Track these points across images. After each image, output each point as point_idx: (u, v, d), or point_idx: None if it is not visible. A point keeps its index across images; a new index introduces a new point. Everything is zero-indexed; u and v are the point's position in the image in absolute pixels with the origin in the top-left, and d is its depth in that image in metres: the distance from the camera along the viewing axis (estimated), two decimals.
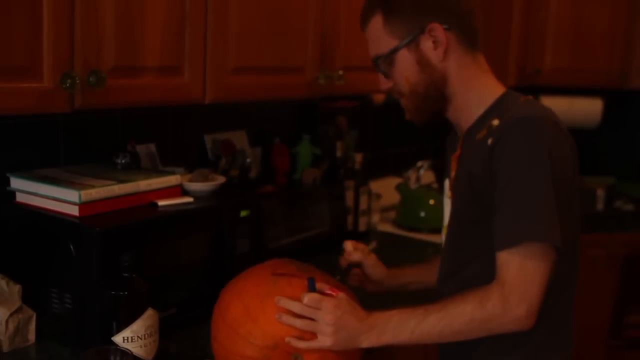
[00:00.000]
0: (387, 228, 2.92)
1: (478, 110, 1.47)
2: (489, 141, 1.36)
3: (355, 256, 1.72)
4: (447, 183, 1.58)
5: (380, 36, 1.49)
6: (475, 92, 1.47)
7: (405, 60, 1.47)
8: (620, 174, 3.73)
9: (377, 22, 1.49)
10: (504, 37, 3.21)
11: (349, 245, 1.74)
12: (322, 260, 2.29)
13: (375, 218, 2.87)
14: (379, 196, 2.88)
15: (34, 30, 1.43)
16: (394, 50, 1.47)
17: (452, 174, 1.51)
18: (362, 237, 2.70)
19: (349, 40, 2.29)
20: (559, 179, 1.33)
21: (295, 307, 1.36)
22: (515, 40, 3.22)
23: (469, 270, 1.46)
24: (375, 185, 2.94)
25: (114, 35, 1.58)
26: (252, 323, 1.36)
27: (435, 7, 1.46)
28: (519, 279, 1.31)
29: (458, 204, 1.49)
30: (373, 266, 1.73)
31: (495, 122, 1.40)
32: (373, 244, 1.62)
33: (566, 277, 1.44)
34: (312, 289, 1.36)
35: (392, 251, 2.62)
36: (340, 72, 2.24)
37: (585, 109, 3.51)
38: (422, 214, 2.88)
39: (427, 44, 1.45)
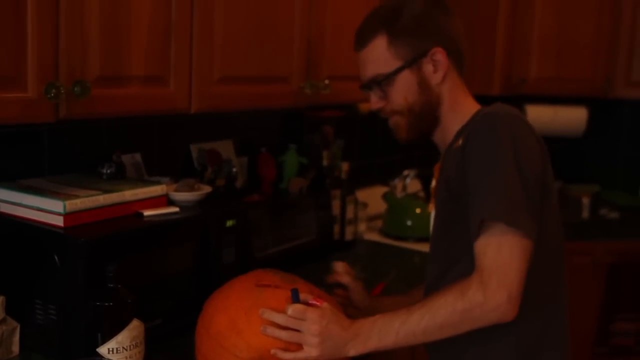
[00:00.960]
0: (374, 237, 2.93)
1: (456, 127, 1.54)
2: (460, 142, 1.45)
3: (344, 279, 1.74)
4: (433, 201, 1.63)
5: (382, 57, 1.53)
6: (459, 113, 1.54)
7: (406, 81, 1.52)
8: (605, 182, 3.76)
9: (380, 43, 1.53)
10: (489, 47, 3.23)
11: (340, 266, 1.76)
12: (309, 269, 2.29)
13: (362, 227, 2.88)
14: (365, 205, 2.88)
15: (18, 40, 1.43)
16: (398, 71, 1.52)
17: (433, 183, 1.59)
18: (348, 246, 2.70)
19: (335, 50, 2.30)
20: (525, 168, 1.35)
21: (279, 319, 1.35)
22: (500, 50, 3.24)
23: (453, 274, 1.45)
24: (362, 194, 2.94)
25: (99, 45, 1.57)
26: (236, 336, 1.36)
27: (436, 32, 1.53)
28: (496, 264, 1.31)
29: (439, 210, 1.54)
30: (358, 293, 1.75)
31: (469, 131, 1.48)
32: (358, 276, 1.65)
33: (551, 271, 1.45)
34: (295, 300, 1.36)
35: (379, 260, 2.62)
36: (326, 82, 2.25)
37: (570, 118, 3.53)
38: (409, 223, 2.88)
39: (428, 67, 1.52)
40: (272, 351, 1.34)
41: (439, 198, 1.54)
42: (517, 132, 1.38)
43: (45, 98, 1.46)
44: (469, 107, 1.55)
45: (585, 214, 3.38)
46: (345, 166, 2.82)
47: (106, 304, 1.46)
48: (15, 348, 1.64)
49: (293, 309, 1.35)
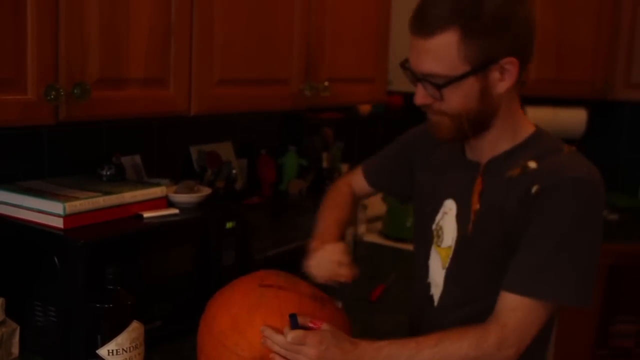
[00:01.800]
0: (374, 239, 2.93)
1: (505, 145, 1.44)
2: (534, 189, 1.35)
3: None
4: (449, 203, 1.50)
5: (449, 56, 1.32)
6: (511, 127, 1.44)
7: (469, 87, 1.34)
8: (605, 184, 3.75)
9: (450, 39, 1.30)
10: None
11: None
12: None
13: (362, 229, 2.88)
14: (365, 207, 2.88)
15: (18, 42, 1.43)
16: (463, 77, 1.33)
17: (476, 206, 1.44)
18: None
19: (335, 52, 2.30)
20: (598, 244, 1.36)
21: (279, 343, 1.33)
22: None
23: (479, 305, 1.43)
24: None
25: (99, 47, 1.58)
26: (239, 335, 1.36)
27: (514, 37, 1.33)
28: (520, 326, 1.34)
29: (481, 239, 1.44)
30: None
31: (532, 164, 1.40)
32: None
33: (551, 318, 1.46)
34: (294, 326, 1.35)
35: (379, 262, 2.62)
36: (326, 84, 2.25)
37: (569, 119, 3.53)
38: (409, 225, 2.88)
39: (495, 75, 1.35)
40: (271, 356, 1.34)
41: (483, 225, 1.43)
42: (600, 208, 1.37)
43: (45, 100, 1.47)
44: (523, 126, 1.46)
45: None
46: (345, 168, 2.82)
47: (106, 305, 1.46)
48: (15, 350, 1.64)
49: (292, 335, 1.32)
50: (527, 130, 1.46)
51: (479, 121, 1.40)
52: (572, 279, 1.34)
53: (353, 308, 1.95)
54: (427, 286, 1.55)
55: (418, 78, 1.37)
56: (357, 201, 1.86)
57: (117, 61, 1.62)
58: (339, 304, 1.54)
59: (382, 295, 2.17)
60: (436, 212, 1.53)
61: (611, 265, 3.09)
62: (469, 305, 1.47)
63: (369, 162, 1.83)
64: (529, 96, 3.51)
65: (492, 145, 1.45)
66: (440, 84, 1.34)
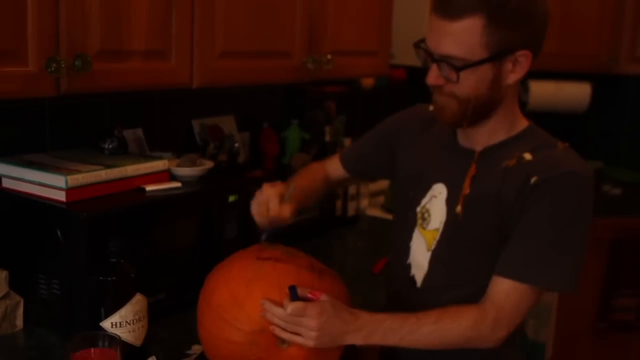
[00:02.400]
0: (376, 213, 2.93)
1: (501, 135, 1.48)
2: (533, 180, 1.39)
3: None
4: (439, 187, 1.53)
5: (472, 40, 1.34)
6: (508, 118, 1.48)
7: (483, 74, 1.37)
8: (608, 158, 3.75)
9: (475, 24, 1.33)
10: None
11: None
12: (312, 245, 2.30)
13: (364, 203, 2.88)
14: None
15: (18, 13, 1.42)
16: (482, 62, 1.35)
17: (466, 190, 1.47)
18: (351, 221, 2.70)
19: (338, 25, 2.29)
20: (588, 232, 1.43)
21: (278, 315, 1.34)
22: None
23: (471, 287, 1.47)
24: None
25: (100, 19, 1.56)
26: (237, 308, 1.36)
27: (532, 30, 1.38)
28: (514, 309, 1.40)
29: (473, 223, 1.47)
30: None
31: (528, 156, 1.44)
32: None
33: None
34: (294, 297, 1.35)
35: (381, 236, 2.63)
36: (329, 57, 2.23)
37: (573, 94, 3.51)
38: None
39: (508, 65, 1.38)
40: (271, 328, 1.34)
41: (474, 210, 1.46)
42: (592, 201, 1.42)
43: (46, 72, 1.46)
44: (519, 119, 1.50)
45: None
46: (347, 142, 2.81)
47: (109, 278, 1.47)
48: (19, 322, 1.65)
49: (292, 307, 1.33)
50: (522, 124, 1.50)
51: (483, 109, 1.43)
52: (567, 268, 1.40)
53: (355, 281, 1.96)
54: (407, 267, 1.57)
55: (434, 59, 1.39)
56: (328, 183, 1.81)
57: (118, 33, 1.61)
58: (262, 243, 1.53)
59: (384, 268, 2.18)
60: (422, 195, 1.55)
61: (613, 239, 3.10)
62: (454, 288, 1.50)
63: (346, 149, 1.88)
64: (533, 70, 3.48)
65: (488, 134, 1.48)
66: (460, 66, 1.36)
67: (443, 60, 1.37)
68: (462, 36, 1.34)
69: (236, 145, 2.40)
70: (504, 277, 1.40)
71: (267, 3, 2.01)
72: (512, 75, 1.40)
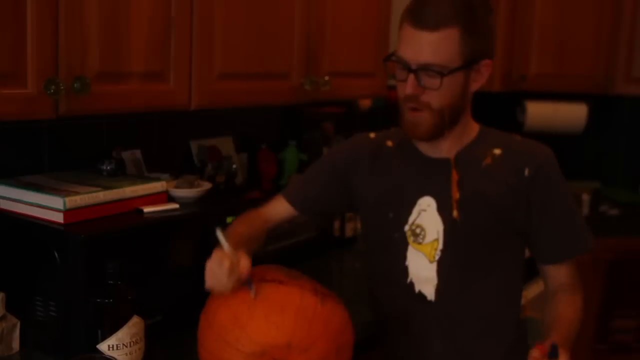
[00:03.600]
0: None
1: (465, 140, 1.59)
2: (526, 172, 1.54)
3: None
4: (426, 200, 1.57)
5: (449, 48, 1.44)
6: (468, 124, 1.60)
7: (456, 81, 1.48)
8: (606, 178, 3.76)
9: (452, 34, 1.44)
10: None
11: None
12: (309, 266, 2.30)
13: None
14: None
15: (18, 36, 1.42)
16: (458, 69, 1.46)
17: (456, 195, 1.55)
18: (348, 242, 2.70)
19: (335, 46, 2.30)
20: None
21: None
22: (500, 47, 3.23)
23: (480, 285, 1.57)
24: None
25: (99, 41, 1.57)
26: (239, 329, 1.36)
27: (492, 45, 1.52)
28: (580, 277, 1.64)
29: (472, 223, 1.55)
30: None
31: (497, 151, 1.57)
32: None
33: None
34: (553, 355, 1.36)
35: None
36: (326, 78, 2.24)
37: (570, 114, 3.53)
38: None
39: (474, 75, 1.51)
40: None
41: (468, 212, 1.54)
42: None
43: (45, 94, 1.46)
44: (473, 123, 1.62)
45: (586, 210, 3.37)
46: None
47: (106, 300, 1.46)
48: (16, 344, 1.64)
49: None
50: (476, 127, 1.62)
51: (455, 117, 1.53)
52: (586, 226, 1.62)
53: (353, 302, 1.95)
54: (409, 286, 1.59)
55: (412, 69, 1.46)
56: (266, 229, 1.69)
57: (117, 55, 1.62)
58: (252, 295, 1.39)
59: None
60: (407, 213, 1.59)
61: (611, 260, 3.09)
62: (471, 287, 1.57)
63: (289, 190, 1.77)
64: (530, 91, 3.51)
65: (455, 141, 1.58)
66: (444, 72, 1.44)
67: (423, 68, 1.45)
68: (443, 45, 1.44)
69: (234, 166, 2.40)
70: (562, 262, 1.60)
71: (265, 25, 2.02)
72: (475, 84, 1.52)
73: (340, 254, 2.62)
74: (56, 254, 1.57)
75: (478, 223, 1.54)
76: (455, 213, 1.54)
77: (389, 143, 1.68)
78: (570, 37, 3.34)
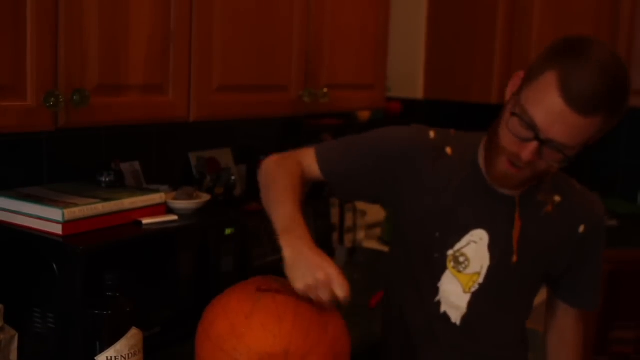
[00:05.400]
0: (373, 245, 2.93)
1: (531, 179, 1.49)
2: (581, 229, 1.57)
3: None
4: (479, 233, 1.54)
5: (591, 133, 1.35)
6: None
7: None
8: (604, 190, 3.76)
9: (598, 121, 1.33)
10: (487, 56, 3.23)
11: None
12: None
13: (361, 235, 2.88)
14: (364, 213, 2.88)
15: (18, 48, 1.43)
16: (581, 146, 1.39)
17: (516, 234, 1.54)
18: (347, 254, 2.70)
19: (334, 58, 2.31)
20: None
21: None
22: (498, 58, 3.25)
23: (511, 317, 1.64)
24: (361, 203, 2.94)
25: (98, 54, 1.58)
26: (236, 339, 1.36)
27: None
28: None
29: (523, 269, 1.56)
30: None
31: (557, 198, 1.57)
32: None
33: None
34: None
35: (378, 268, 2.62)
36: (325, 90, 2.25)
37: None
38: None
39: None
40: None
41: (524, 255, 1.55)
42: None
43: (44, 106, 1.47)
44: None
45: None
46: None
47: (104, 312, 1.46)
48: (14, 357, 1.64)
49: None
50: None
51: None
52: (600, 285, 1.70)
53: (352, 314, 1.95)
54: (436, 304, 1.59)
55: (541, 139, 1.35)
56: (305, 183, 1.59)
57: (116, 67, 1.63)
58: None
59: (381, 301, 2.17)
60: (456, 239, 1.55)
61: (611, 271, 3.09)
62: (498, 320, 1.61)
63: (323, 153, 1.62)
64: None
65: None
66: (570, 154, 1.38)
67: (553, 145, 1.35)
68: (585, 130, 1.33)
69: (233, 178, 2.41)
70: (577, 307, 1.69)
71: (263, 37, 2.03)
72: None
73: (339, 266, 2.62)
74: (54, 266, 1.57)
75: (528, 269, 1.57)
76: (515, 258, 1.55)
77: (449, 150, 1.56)
78: None
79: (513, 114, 1.36)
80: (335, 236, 2.65)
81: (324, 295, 1.31)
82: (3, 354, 1.61)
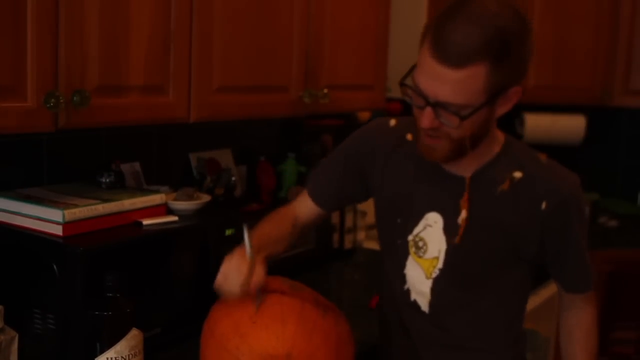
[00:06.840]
0: (373, 245, 2.92)
1: (487, 156, 1.48)
2: (543, 205, 1.45)
3: None
4: (433, 216, 1.52)
5: (474, 87, 1.29)
6: (491, 139, 1.48)
7: (480, 116, 1.34)
8: (604, 190, 3.76)
9: (479, 71, 1.27)
10: None
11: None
12: (308, 278, 2.29)
13: (361, 235, 2.87)
14: (364, 213, 2.88)
15: (18, 49, 1.43)
16: (481, 106, 1.32)
17: (464, 215, 1.48)
18: (347, 254, 2.70)
19: (334, 59, 2.31)
20: None
21: None
22: None
23: (475, 305, 1.54)
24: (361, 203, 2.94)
25: (98, 55, 1.58)
26: (240, 338, 1.36)
27: (525, 71, 1.36)
28: None
29: (476, 250, 1.49)
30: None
31: (518, 174, 1.47)
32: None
33: None
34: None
35: (378, 269, 2.62)
36: (325, 91, 2.25)
37: (568, 126, 3.54)
38: None
39: (501, 101, 1.36)
40: None
41: (474, 235, 1.48)
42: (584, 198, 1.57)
43: (44, 107, 1.47)
44: (497, 135, 1.50)
45: None
46: None
47: (105, 313, 1.46)
48: (14, 358, 1.64)
49: None
50: (500, 139, 1.51)
51: (476, 143, 1.42)
52: (589, 268, 1.59)
53: (352, 315, 1.95)
54: (406, 293, 1.58)
55: (430, 103, 1.33)
56: (297, 227, 1.66)
57: (116, 68, 1.63)
58: (256, 307, 1.39)
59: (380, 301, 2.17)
60: (413, 223, 1.54)
61: (611, 271, 3.09)
62: (466, 306, 1.54)
63: (312, 183, 1.70)
64: (528, 103, 3.51)
65: (475, 158, 1.47)
66: (463, 115, 1.32)
67: (442, 107, 1.32)
68: (466, 84, 1.29)
69: (233, 178, 2.40)
70: (584, 292, 1.61)
71: (264, 38, 2.03)
72: (501, 108, 1.39)
73: (340, 266, 2.62)
74: (55, 267, 1.57)
75: (482, 250, 1.49)
76: (457, 239, 1.49)
77: (410, 137, 1.56)
78: (568, 50, 3.35)
79: (402, 85, 1.38)
80: (335, 237, 2.65)
81: (232, 287, 1.41)
82: (3, 355, 1.61)
